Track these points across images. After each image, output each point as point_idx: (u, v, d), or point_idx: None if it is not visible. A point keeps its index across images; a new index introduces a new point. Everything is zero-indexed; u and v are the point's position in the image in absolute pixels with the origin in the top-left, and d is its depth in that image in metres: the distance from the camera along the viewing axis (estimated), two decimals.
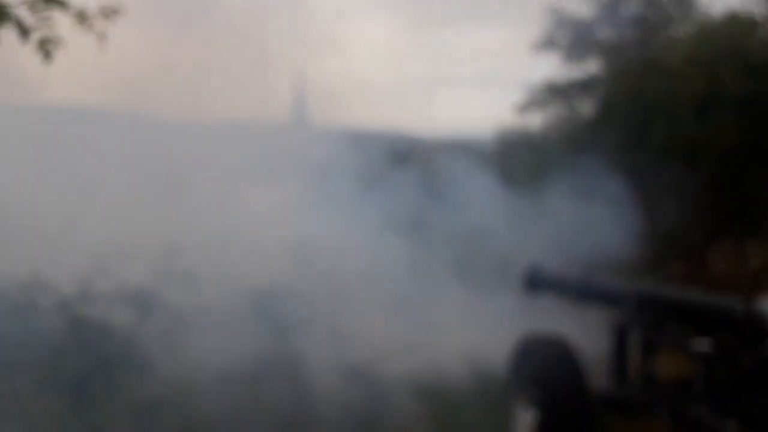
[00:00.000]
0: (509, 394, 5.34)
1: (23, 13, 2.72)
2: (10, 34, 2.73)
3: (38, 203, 5.60)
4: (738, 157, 10.10)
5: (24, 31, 2.74)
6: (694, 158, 11.03)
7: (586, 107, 22.36)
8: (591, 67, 22.98)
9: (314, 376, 5.00)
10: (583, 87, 22.75)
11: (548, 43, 23.32)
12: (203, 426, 4.05)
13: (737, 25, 12.83)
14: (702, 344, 4.69)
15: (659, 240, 10.65)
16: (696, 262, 9.89)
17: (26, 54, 2.85)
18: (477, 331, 6.83)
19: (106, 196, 5.92)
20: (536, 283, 6.77)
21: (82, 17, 2.98)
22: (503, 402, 5.40)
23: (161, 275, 5.06)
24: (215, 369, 4.43)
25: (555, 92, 23.77)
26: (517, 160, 19.17)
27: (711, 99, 11.12)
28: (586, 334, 5.53)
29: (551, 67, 26.98)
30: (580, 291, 6.08)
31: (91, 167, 6.16)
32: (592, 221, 9.26)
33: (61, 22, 2.93)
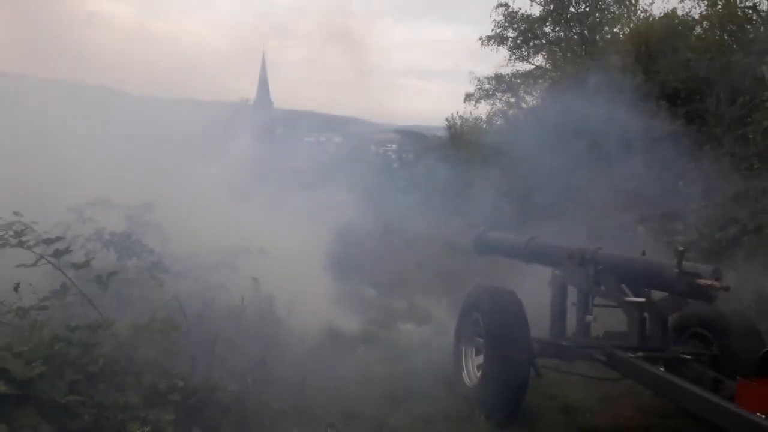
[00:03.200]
0: (459, 339, 5.79)
1: None
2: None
3: (21, 159, 5.79)
4: (669, 144, 10.80)
5: None
6: (629, 145, 11.76)
7: (530, 97, 23.18)
8: (536, 60, 23.87)
9: (281, 320, 5.36)
10: (528, 78, 23.55)
11: (497, 37, 24.08)
12: (183, 359, 4.35)
13: (674, 23, 13.58)
14: (636, 300, 5.23)
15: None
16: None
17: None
18: None
19: (86, 154, 6.12)
20: (483, 245, 7.32)
21: None
22: (454, 345, 5.83)
23: (137, 225, 5.30)
24: (191, 309, 4.71)
25: (502, 83, 24.56)
26: (463, 144, 19.86)
27: (647, 91, 11.82)
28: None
29: (499, 60, 27.78)
30: (524, 252, 6.60)
31: (71, 129, 6.36)
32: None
33: None
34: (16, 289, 3.87)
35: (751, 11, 11.34)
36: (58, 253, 4.15)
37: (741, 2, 11.67)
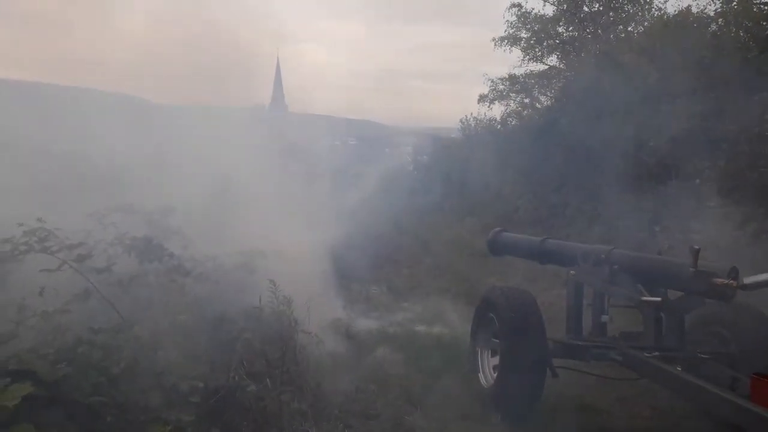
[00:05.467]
0: (475, 339, 5.82)
1: None
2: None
3: (44, 166, 5.91)
4: (686, 142, 10.74)
5: None
6: (645, 144, 11.72)
7: (545, 98, 23.13)
8: (550, 60, 23.79)
9: (298, 321, 5.40)
10: (542, 78, 23.50)
11: (510, 38, 24.02)
12: (203, 361, 4.41)
13: (689, 21, 13.49)
14: (652, 299, 5.22)
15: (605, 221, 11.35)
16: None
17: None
18: None
19: (107, 161, 6.24)
20: (498, 246, 7.33)
21: None
22: (470, 346, 5.86)
23: (157, 230, 5.37)
24: (211, 311, 4.79)
25: (515, 84, 24.52)
26: (478, 145, 19.89)
27: (662, 89, 11.77)
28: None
29: (513, 61, 27.77)
30: (539, 252, 6.62)
31: (91, 137, 6.49)
32: None
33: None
34: (41, 293, 3.96)
35: (767, 8, 11.23)
36: (80, 258, 4.24)
37: None
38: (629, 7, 20.49)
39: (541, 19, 23.02)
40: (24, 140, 6.19)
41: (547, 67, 23.62)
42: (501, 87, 24.44)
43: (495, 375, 5.47)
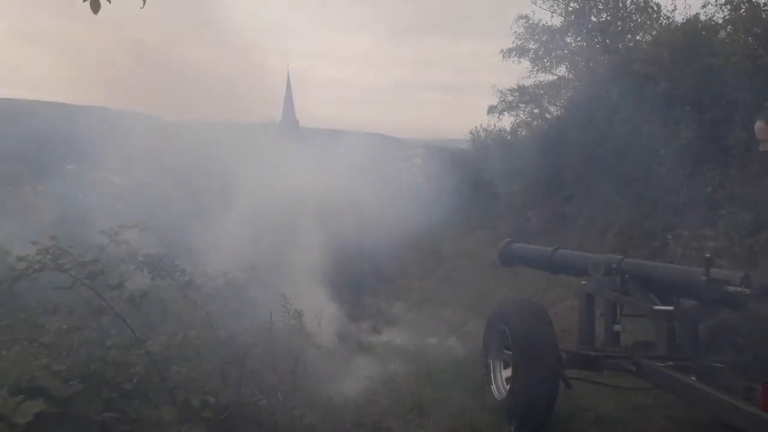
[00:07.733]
0: (488, 352, 5.80)
1: None
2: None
3: (59, 185, 5.99)
4: (695, 150, 10.69)
5: None
6: (656, 152, 11.67)
7: (554, 108, 23.10)
8: (559, 70, 23.77)
9: (309, 334, 5.43)
10: (551, 89, 23.47)
11: (518, 49, 24.05)
12: (215, 376, 4.44)
13: (697, 28, 13.44)
14: (664, 308, 5.18)
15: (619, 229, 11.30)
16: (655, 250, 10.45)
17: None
18: None
19: (119, 179, 6.32)
20: (509, 257, 7.31)
21: None
22: (482, 358, 5.83)
23: (170, 246, 5.43)
24: (222, 326, 4.82)
25: (525, 95, 24.50)
26: (489, 156, 19.88)
27: (671, 97, 11.73)
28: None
29: (521, 72, 27.82)
30: (550, 262, 6.60)
31: (104, 154, 6.57)
32: None
33: None
34: (54, 311, 4.00)
35: None
36: (93, 275, 4.28)
37: (765, 5, 11.52)
38: (637, 16, 20.44)
39: (548, 30, 23.01)
40: (39, 159, 6.29)
41: (556, 77, 23.60)
42: (510, 98, 24.43)
43: (508, 387, 5.44)
